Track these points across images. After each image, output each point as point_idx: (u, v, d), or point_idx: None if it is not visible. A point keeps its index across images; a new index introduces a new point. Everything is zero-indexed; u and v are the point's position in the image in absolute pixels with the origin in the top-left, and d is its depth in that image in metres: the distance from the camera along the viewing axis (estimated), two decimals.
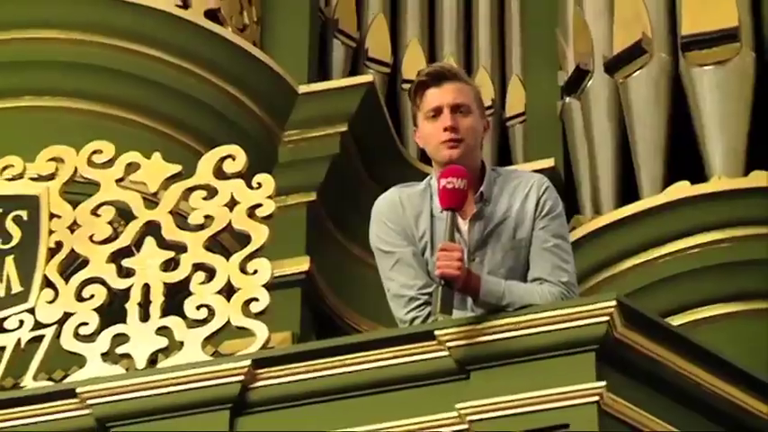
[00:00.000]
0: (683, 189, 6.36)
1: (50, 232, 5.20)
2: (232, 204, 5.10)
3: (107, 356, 4.95)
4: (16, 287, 5.15)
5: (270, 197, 5.10)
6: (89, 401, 4.79)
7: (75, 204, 5.22)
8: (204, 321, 4.93)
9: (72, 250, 5.16)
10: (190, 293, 4.99)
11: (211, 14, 6.62)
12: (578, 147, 6.73)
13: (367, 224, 4.87)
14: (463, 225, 4.72)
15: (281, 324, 5.46)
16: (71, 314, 5.04)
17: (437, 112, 4.72)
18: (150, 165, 5.25)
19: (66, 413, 4.84)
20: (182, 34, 6.50)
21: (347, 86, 6.64)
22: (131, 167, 5.25)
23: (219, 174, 5.16)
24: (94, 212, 5.20)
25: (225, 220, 5.08)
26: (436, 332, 4.58)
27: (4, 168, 5.34)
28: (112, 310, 5.04)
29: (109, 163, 5.27)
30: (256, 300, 4.93)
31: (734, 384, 4.67)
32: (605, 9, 6.76)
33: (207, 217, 5.10)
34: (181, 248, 5.06)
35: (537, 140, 6.91)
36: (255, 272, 4.97)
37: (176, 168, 5.22)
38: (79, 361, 4.97)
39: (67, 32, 6.41)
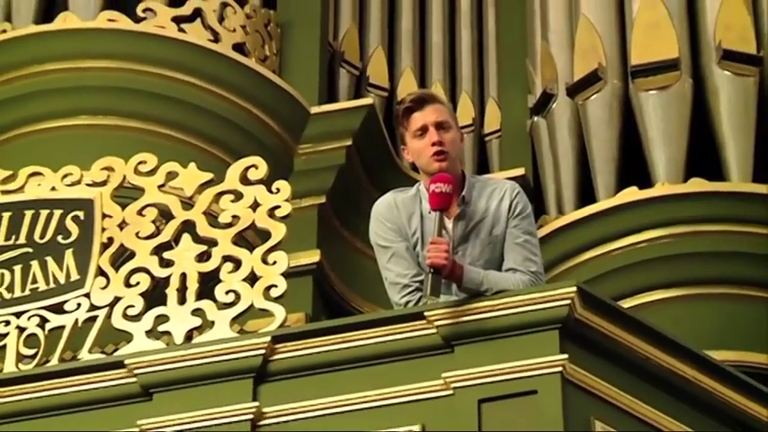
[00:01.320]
0: (632, 193, 6.34)
1: (103, 230, 5.16)
2: (255, 206, 5.06)
3: (150, 333, 4.92)
4: (74, 275, 5.11)
5: (287, 200, 5.06)
6: (135, 371, 4.77)
7: (123, 206, 5.19)
8: (232, 304, 4.89)
9: (121, 245, 5.13)
10: (219, 281, 4.94)
11: (238, 47, 6.61)
12: (544, 158, 6.71)
13: (368, 222, 4.84)
14: (448, 223, 4.68)
15: (296, 306, 5.42)
16: (120, 298, 5.01)
17: (423, 130, 4.69)
18: (186, 173, 5.22)
19: (116, 381, 4.81)
20: (213, 64, 6.48)
21: (351, 108, 6.61)
22: (171, 175, 5.22)
23: (244, 180, 5.13)
24: (140, 213, 5.16)
25: (249, 219, 5.05)
26: (426, 313, 4.56)
27: (65, 176, 5.31)
28: (155, 295, 5.00)
29: (152, 172, 5.24)
30: (275, 286, 4.89)
31: (675, 357, 4.64)
32: (567, 43, 6.73)
33: (234, 217, 5.07)
34: (212, 243, 5.03)
35: (510, 153, 6.86)
36: (275, 263, 4.93)
37: (208, 176, 5.19)
38: (127, 337, 4.94)
39: (117, 62, 6.39)
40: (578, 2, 6.77)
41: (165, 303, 4.96)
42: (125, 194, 5.25)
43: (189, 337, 4.88)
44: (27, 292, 5.15)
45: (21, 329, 5.06)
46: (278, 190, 5.10)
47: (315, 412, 4.61)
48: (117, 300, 5.02)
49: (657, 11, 6.58)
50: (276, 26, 6.84)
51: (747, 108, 6.47)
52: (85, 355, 4.96)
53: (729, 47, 6.54)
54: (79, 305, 5.05)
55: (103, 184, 5.27)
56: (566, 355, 4.42)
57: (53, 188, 5.33)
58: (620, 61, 6.60)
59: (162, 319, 4.93)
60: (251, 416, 4.62)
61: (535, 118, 6.79)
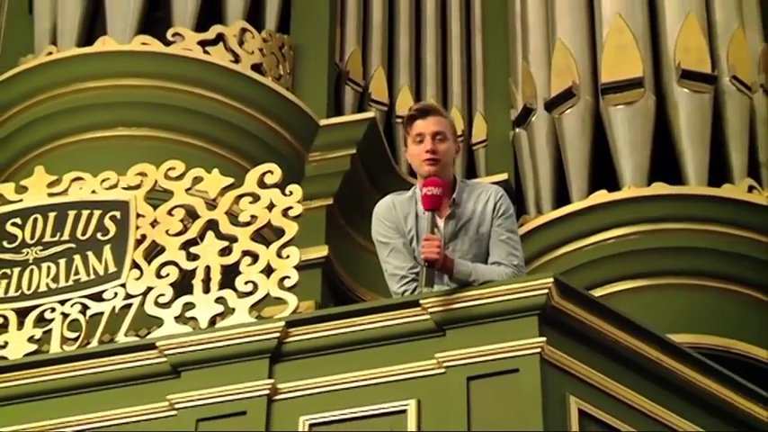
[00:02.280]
0: (602, 196, 6.32)
1: (137, 228, 5.14)
2: (270, 207, 5.05)
3: (178, 319, 4.90)
4: (112, 268, 5.09)
5: (298, 202, 5.05)
6: (165, 352, 4.75)
7: (155, 207, 5.18)
8: (250, 293, 4.87)
9: (153, 241, 5.11)
10: (239, 272, 4.92)
11: (256, 67, 6.59)
12: (525, 165, 6.70)
13: (370, 221, 4.84)
14: (440, 222, 4.66)
15: (307, 295, 5.40)
16: (152, 288, 4.99)
17: (421, 137, 4.67)
18: (210, 178, 5.20)
19: (149, 361, 4.79)
20: (234, 82, 6.46)
21: (355, 121, 6.59)
22: (196, 180, 5.21)
23: (261, 184, 5.12)
24: (169, 213, 5.15)
25: (265, 218, 5.03)
26: (421, 301, 4.54)
27: (103, 180, 5.30)
28: (182, 285, 4.98)
29: (180, 177, 5.22)
30: (288, 277, 4.87)
31: (641, 340, 4.63)
32: (545, 64, 6.71)
33: (252, 216, 5.05)
34: (233, 239, 5.01)
35: (495, 160, 6.86)
36: (288, 257, 4.91)
37: (230, 180, 5.17)
38: (158, 322, 4.93)
39: (150, 80, 6.37)
40: (555, 27, 6.75)
41: (191, 292, 4.94)
42: (156, 197, 5.23)
43: (212, 321, 4.86)
44: (70, 283, 5.12)
45: (65, 315, 5.04)
46: (291, 193, 5.08)
47: (323, 388, 4.58)
48: (149, 289, 5.00)
49: (624, 35, 6.57)
50: (289, 49, 6.81)
51: (703, 121, 6.45)
52: (121, 338, 4.94)
53: (687, 67, 6.52)
54: (116, 294, 5.03)
55: (137, 187, 5.25)
56: (544, 338, 4.40)
57: (93, 191, 5.31)
58: (592, 80, 6.58)
59: (189, 306, 4.92)
60: (267, 391, 4.59)
61: (517, 130, 6.77)
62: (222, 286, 4.91)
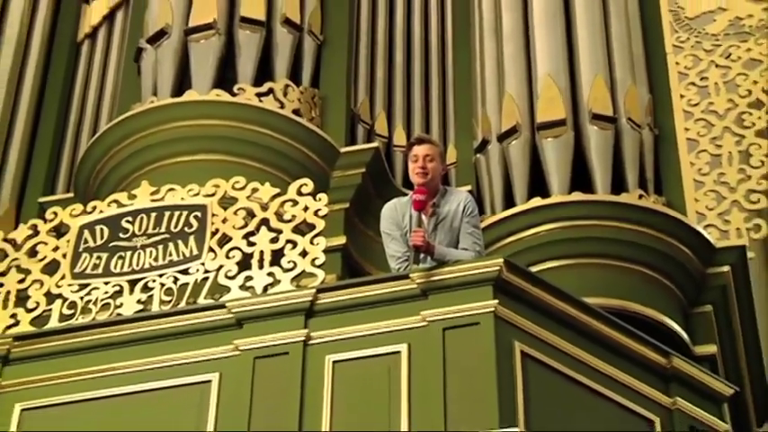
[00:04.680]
0: (537, 201, 6.27)
1: (212, 224, 5.10)
2: (305, 209, 5.02)
3: (241, 287, 4.86)
4: (194, 251, 5.05)
5: (325, 205, 5.03)
6: (232, 310, 4.71)
7: (225, 209, 5.14)
8: (291, 270, 4.84)
9: (223, 233, 5.07)
10: (284, 255, 4.89)
11: (296, 112, 6.54)
12: (483, 179, 6.63)
13: (376, 219, 4.84)
14: (425, 219, 4.65)
15: (330, 270, 5.36)
16: (223, 265, 4.96)
17: (416, 158, 4.71)
18: (264, 188, 5.17)
19: (220, 316, 4.75)
20: (280, 122, 6.40)
21: (365, 149, 6.53)
22: (254, 190, 5.17)
23: (299, 193, 5.09)
24: (235, 213, 5.11)
25: (302, 217, 4.99)
26: (411, 275, 4.52)
27: (189, 190, 5.26)
28: (244, 264, 4.95)
29: (242, 188, 5.19)
30: (318, 258, 4.84)
31: (565, 301, 4.60)
32: (497, 109, 6.67)
33: (293, 216, 5.02)
34: (279, 232, 4.98)
35: (462, 176, 6.81)
36: (317, 244, 4.88)
37: (277, 190, 5.14)
38: (226, 290, 4.89)
39: (221, 120, 6.33)
40: (504, 83, 6.71)
41: (250, 268, 4.90)
42: (226, 202, 5.19)
43: (265, 289, 4.82)
44: (166, 262, 5.08)
45: (162, 285, 5.00)
46: (320, 199, 5.05)
47: (342, 335, 4.55)
48: (221, 267, 4.96)
49: (552, 90, 6.54)
50: (318, 98, 6.77)
51: (607, 149, 6.42)
52: (202, 300, 4.91)
53: (597, 111, 6.48)
54: (198, 270, 4.99)
55: (213, 195, 5.21)
56: (497, 301, 4.37)
57: (182, 198, 5.27)
58: (530, 121, 6.54)
59: (248, 278, 4.88)
60: (303, 338, 4.57)
61: (477, 155, 6.72)
62: (272, 264, 4.88)
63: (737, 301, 6.23)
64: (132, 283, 5.05)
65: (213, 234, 5.08)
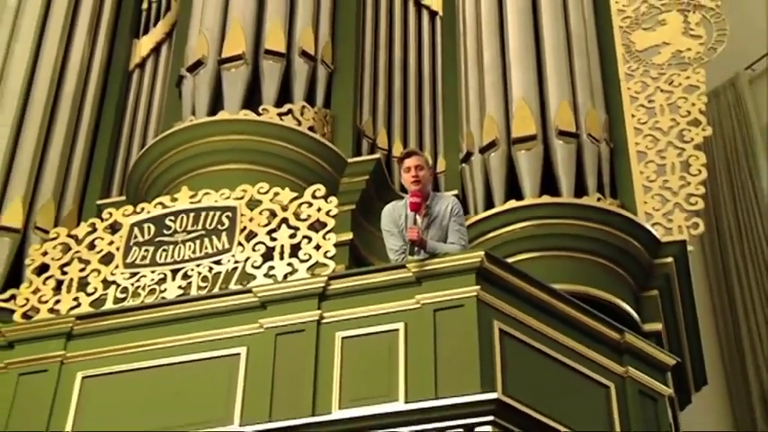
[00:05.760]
0: (512, 203, 6.20)
1: (241, 222, 5.10)
2: (319, 210, 5.02)
3: (265, 275, 4.85)
4: (226, 245, 5.05)
5: (335, 207, 5.02)
6: (258, 294, 4.69)
7: (251, 209, 5.13)
8: (307, 260, 4.83)
9: (250, 230, 5.06)
10: (300, 248, 4.88)
11: (311, 128, 6.49)
12: (467, 185, 6.55)
13: (378, 218, 4.82)
14: (419, 219, 4.64)
15: (340, 262, 5.38)
16: (249, 257, 4.95)
17: (409, 169, 4.70)
18: (284, 193, 5.15)
19: (248, 299, 4.73)
20: (298, 137, 6.35)
21: (368, 159, 6.48)
22: (276, 194, 5.16)
23: (314, 196, 5.08)
24: (260, 213, 5.10)
25: (316, 216, 4.99)
26: (407, 265, 4.50)
27: (221, 194, 5.25)
28: (268, 256, 4.93)
29: (266, 192, 5.18)
30: (329, 251, 4.83)
31: (535, 287, 4.59)
32: (479, 127, 6.61)
33: (308, 215, 5.00)
34: (297, 229, 4.97)
35: (450, 182, 6.73)
36: (329, 239, 4.88)
37: (295, 194, 5.13)
38: (253, 277, 4.88)
39: (248, 136, 6.29)
40: (485, 106, 6.65)
41: (272, 259, 4.89)
42: (252, 204, 5.17)
43: (285, 276, 4.80)
44: (202, 254, 5.07)
45: (199, 273, 5.00)
46: (331, 201, 5.05)
47: (350, 316, 4.54)
48: (248, 258, 4.95)
49: (525, 111, 6.50)
50: (330, 117, 6.72)
51: (571, 160, 6.36)
52: (232, 286, 4.89)
53: (562, 128, 6.43)
54: (229, 261, 4.99)
55: (241, 198, 5.20)
56: (479, 287, 4.36)
57: (215, 200, 5.26)
58: (506, 136, 6.50)
59: (271, 267, 4.87)
60: (317, 317, 4.55)
61: (463, 165, 6.66)
62: (290, 256, 4.87)
63: (679, 287, 6.20)
64: (174, 272, 5.04)
65: (241, 231, 5.07)
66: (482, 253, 4.44)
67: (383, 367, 4.32)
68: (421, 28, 7.52)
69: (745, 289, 7.87)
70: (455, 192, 6.42)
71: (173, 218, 5.24)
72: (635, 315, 5.91)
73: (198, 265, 5.01)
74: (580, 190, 6.28)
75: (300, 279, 4.72)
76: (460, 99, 6.95)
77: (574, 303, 4.68)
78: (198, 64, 6.67)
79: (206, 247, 5.07)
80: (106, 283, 5.08)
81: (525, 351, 4.40)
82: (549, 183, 6.27)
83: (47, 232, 6.32)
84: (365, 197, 6.33)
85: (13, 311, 5.23)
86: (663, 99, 6.70)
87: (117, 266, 5.13)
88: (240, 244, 5.02)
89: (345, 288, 4.60)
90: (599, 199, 6.27)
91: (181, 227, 5.19)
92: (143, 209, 5.34)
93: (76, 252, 5.24)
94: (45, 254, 5.27)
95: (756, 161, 8.27)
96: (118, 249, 5.19)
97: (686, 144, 6.50)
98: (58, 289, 5.11)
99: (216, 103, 6.57)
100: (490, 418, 4.08)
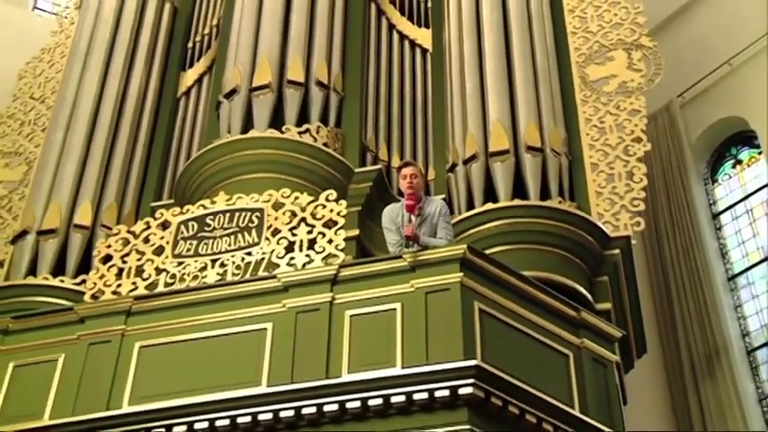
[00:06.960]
0: (489, 205, 6.13)
1: (267, 221, 5.05)
2: (331, 211, 4.97)
3: (288, 264, 4.81)
4: (255, 240, 5.02)
5: (345, 208, 4.98)
6: (281, 279, 4.65)
7: (276, 210, 5.08)
8: (322, 252, 4.79)
9: (275, 227, 5.02)
10: (316, 242, 4.85)
11: (325, 144, 6.44)
12: (453, 190, 6.48)
13: (380, 219, 4.79)
14: (413, 218, 4.59)
15: (349, 253, 5.35)
16: (274, 249, 4.91)
17: (405, 177, 4.67)
18: (303, 197, 5.11)
19: (273, 284, 4.69)
20: (314, 151, 6.30)
21: (371, 170, 6.43)
22: (296, 198, 5.12)
23: (327, 200, 5.04)
24: (283, 214, 5.06)
25: (329, 216, 4.95)
26: (403, 256, 4.47)
27: (251, 198, 5.21)
28: (289, 248, 4.89)
29: (288, 196, 5.14)
30: (340, 244, 4.80)
31: (509, 274, 4.55)
32: (462, 142, 6.55)
33: (323, 215, 4.97)
34: (313, 226, 4.93)
35: (438, 189, 6.68)
36: (340, 235, 4.84)
37: (311, 198, 5.08)
38: (277, 266, 4.84)
39: (274, 150, 6.24)
40: (467, 125, 6.61)
41: (293, 251, 4.85)
42: (277, 206, 5.13)
43: (303, 265, 4.76)
44: (236, 246, 5.03)
45: (233, 262, 4.97)
46: (341, 204, 5.01)
47: (357, 297, 4.50)
48: (273, 250, 4.91)
49: (500, 130, 6.45)
50: (340, 135, 6.68)
51: (537, 171, 6.30)
52: (260, 273, 4.85)
53: (530, 144, 6.38)
54: (258, 252, 4.95)
55: (268, 201, 5.16)
56: (462, 273, 4.33)
57: (247, 203, 5.22)
58: (485, 150, 6.44)
59: (292, 258, 4.83)
60: (329, 299, 4.52)
61: (449, 174, 6.60)
62: (308, 248, 4.83)
63: (625, 274, 6.16)
64: (213, 261, 5.01)
65: (268, 228, 5.03)
66: (465, 246, 4.41)
67: (383, 339, 4.30)
68: (414, 62, 7.52)
69: (677, 275, 7.90)
70: (443, 196, 6.38)
71: (212, 217, 5.21)
72: (589, 296, 5.88)
73: (233, 256, 4.98)
74: (545, 194, 6.23)
75: (316, 267, 4.69)
76: (447, 120, 6.91)
77: (539, 287, 4.65)
78: (233, 92, 6.64)
79: (239, 241, 5.04)
80: (158, 271, 5.07)
81: (500, 326, 4.38)
82: (519, 188, 6.22)
83: (110, 229, 6.40)
84: (369, 200, 6.28)
85: (83, 293, 5.31)
86: (611, 120, 6.67)
87: (167, 257, 5.11)
88: (267, 239, 4.99)
89: (353, 275, 4.57)
90: (560, 202, 6.22)
91: (219, 225, 5.16)
92: (188, 210, 5.32)
93: (134, 245, 5.23)
94: (109, 246, 5.27)
95: (687, 171, 8.32)
96: (168, 243, 5.17)
97: (630, 157, 6.46)
98: (119, 275, 5.12)
99: (247, 124, 6.52)
100: (471, 380, 4.09)
